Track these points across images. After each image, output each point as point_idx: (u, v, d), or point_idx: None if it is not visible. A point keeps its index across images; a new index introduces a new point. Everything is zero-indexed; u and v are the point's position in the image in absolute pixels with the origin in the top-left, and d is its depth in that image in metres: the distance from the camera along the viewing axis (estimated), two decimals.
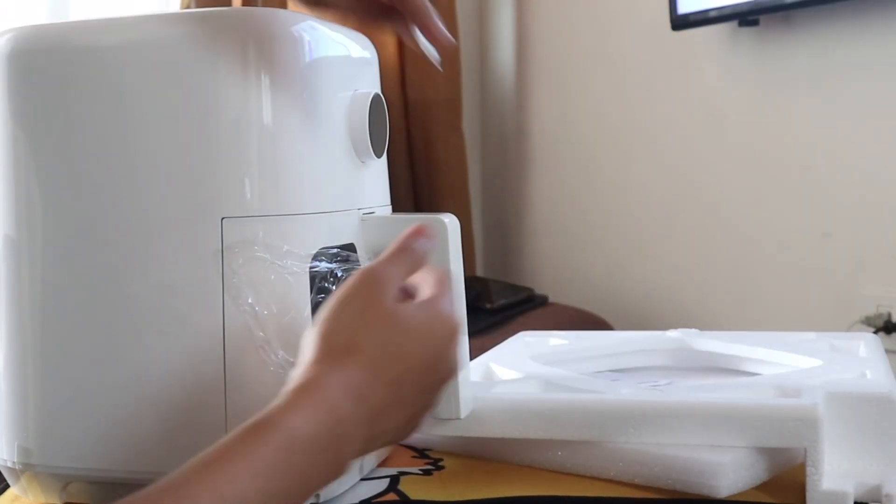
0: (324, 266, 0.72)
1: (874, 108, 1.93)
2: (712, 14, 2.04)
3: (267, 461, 0.49)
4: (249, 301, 0.69)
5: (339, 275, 0.73)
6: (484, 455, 0.82)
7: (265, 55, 0.71)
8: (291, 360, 0.70)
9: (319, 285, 0.72)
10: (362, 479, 0.78)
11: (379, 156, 0.81)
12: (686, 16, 2.08)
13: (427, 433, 0.80)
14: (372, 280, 0.60)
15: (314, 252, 0.72)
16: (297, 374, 0.56)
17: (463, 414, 0.75)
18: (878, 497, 0.70)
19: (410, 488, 0.77)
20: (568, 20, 2.50)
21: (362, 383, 0.55)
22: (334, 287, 0.72)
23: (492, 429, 0.78)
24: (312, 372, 0.55)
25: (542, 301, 2.30)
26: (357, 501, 0.74)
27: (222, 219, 0.70)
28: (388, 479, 0.78)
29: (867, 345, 0.94)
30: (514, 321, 2.12)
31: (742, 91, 2.14)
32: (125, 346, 0.72)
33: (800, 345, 0.96)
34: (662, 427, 0.74)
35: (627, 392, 0.79)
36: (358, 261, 0.76)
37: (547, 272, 2.59)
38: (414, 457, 0.83)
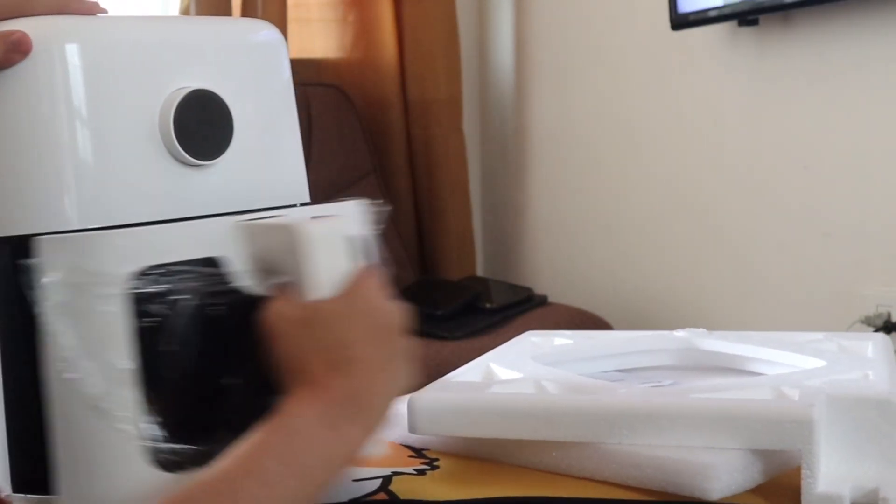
0: (152, 286, 0.65)
1: (874, 108, 1.92)
2: (712, 14, 2.03)
3: (285, 445, 0.60)
4: (57, 328, 0.64)
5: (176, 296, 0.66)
6: (480, 455, 0.82)
7: (40, 62, 0.66)
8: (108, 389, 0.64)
9: (143, 308, 0.65)
10: (354, 481, 0.78)
11: (207, 158, 0.72)
12: (686, 15, 2.08)
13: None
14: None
15: (135, 270, 0.65)
16: (288, 387, 0.64)
17: None
18: (874, 500, 0.69)
19: (401, 488, 0.76)
20: (568, 20, 2.50)
21: (337, 373, 0.63)
22: (165, 307, 0.65)
23: (486, 429, 0.78)
24: (300, 379, 0.64)
25: (541, 301, 2.30)
26: (346, 500, 0.74)
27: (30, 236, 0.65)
28: (380, 480, 0.78)
29: (875, 346, 0.93)
30: (513, 321, 2.11)
31: (742, 91, 2.14)
32: None
33: (807, 345, 0.94)
34: (655, 428, 0.73)
35: (622, 393, 0.79)
36: (221, 275, 0.68)
37: (547, 272, 2.58)
38: (410, 456, 0.83)
